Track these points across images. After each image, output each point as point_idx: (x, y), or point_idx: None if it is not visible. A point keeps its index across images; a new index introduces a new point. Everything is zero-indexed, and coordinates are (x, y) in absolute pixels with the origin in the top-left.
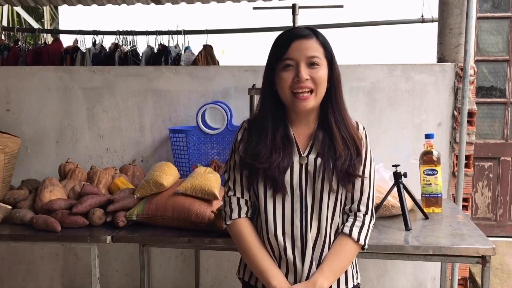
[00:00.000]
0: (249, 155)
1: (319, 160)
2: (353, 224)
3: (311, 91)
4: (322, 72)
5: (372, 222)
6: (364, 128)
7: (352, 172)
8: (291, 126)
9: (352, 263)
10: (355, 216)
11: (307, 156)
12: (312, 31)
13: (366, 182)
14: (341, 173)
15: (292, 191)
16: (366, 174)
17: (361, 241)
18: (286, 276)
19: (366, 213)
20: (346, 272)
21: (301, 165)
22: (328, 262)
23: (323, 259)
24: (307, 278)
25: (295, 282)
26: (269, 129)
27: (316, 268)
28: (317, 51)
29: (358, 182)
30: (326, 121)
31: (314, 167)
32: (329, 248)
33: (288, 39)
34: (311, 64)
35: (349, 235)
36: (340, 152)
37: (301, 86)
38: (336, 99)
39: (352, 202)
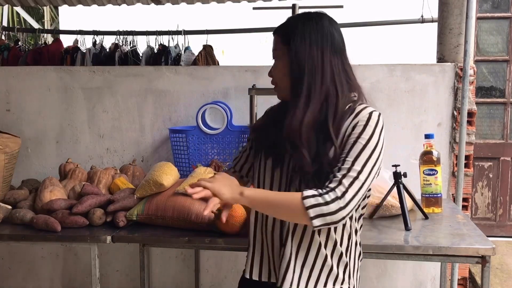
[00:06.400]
0: (252, 128)
1: None
2: (315, 193)
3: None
4: (280, 64)
5: (336, 206)
6: (371, 113)
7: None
8: None
9: (345, 265)
10: (326, 186)
11: None
12: (280, 26)
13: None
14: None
15: (288, 165)
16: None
17: (311, 214)
18: (262, 250)
19: (336, 187)
20: (330, 271)
21: None
22: (267, 191)
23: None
24: (283, 255)
25: (269, 260)
26: (276, 107)
27: (295, 248)
28: (276, 43)
29: (347, 147)
30: None
31: None
32: (311, 235)
33: None
34: (274, 59)
35: (302, 198)
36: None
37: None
38: (307, 86)
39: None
